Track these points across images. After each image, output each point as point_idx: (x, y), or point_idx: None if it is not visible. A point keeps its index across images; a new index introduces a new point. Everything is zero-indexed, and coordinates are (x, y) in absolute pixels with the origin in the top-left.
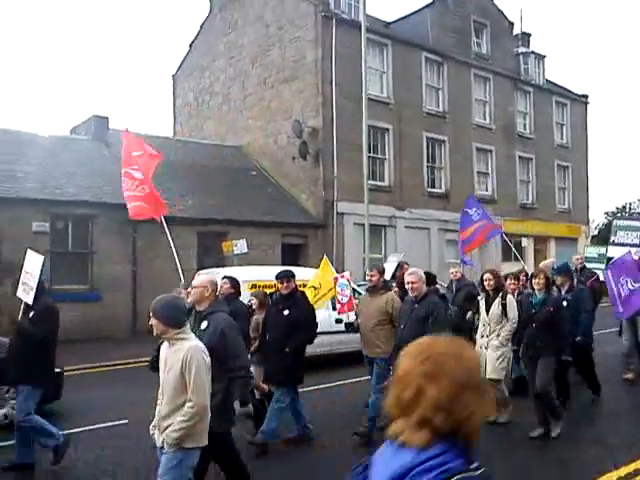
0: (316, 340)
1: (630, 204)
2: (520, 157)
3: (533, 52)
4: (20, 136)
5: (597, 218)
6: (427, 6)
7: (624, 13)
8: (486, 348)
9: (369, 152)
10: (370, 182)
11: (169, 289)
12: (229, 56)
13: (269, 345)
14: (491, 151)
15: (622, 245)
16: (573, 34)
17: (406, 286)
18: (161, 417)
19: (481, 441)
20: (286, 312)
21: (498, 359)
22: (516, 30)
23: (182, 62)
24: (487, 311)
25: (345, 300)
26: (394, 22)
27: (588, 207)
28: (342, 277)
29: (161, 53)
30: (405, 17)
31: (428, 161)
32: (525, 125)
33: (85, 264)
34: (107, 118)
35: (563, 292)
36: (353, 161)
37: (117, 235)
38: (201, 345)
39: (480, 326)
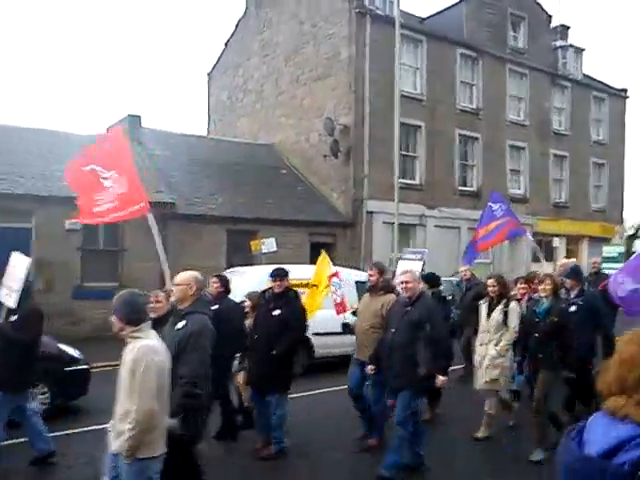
0: (332, 341)
1: None
2: (554, 155)
3: (571, 45)
4: (56, 135)
5: (633, 218)
6: (462, 0)
7: None
8: (484, 357)
9: (400, 150)
10: (401, 180)
11: None
12: (263, 54)
13: (255, 347)
14: (524, 149)
15: None
16: (612, 26)
17: (399, 286)
18: (116, 420)
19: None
20: (277, 312)
21: (494, 369)
22: (554, 23)
23: (217, 60)
24: (488, 318)
25: (339, 300)
26: (429, 18)
27: (623, 206)
28: (335, 276)
29: (199, 52)
30: (440, 12)
31: (460, 159)
32: (561, 122)
33: (115, 261)
34: (139, 117)
35: (572, 296)
36: (384, 159)
37: (147, 232)
38: (156, 345)
39: (479, 333)
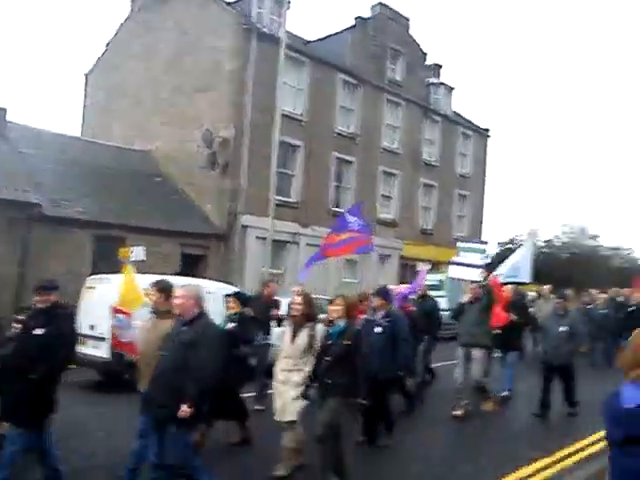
0: None
1: (519, 236)
2: (424, 184)
3: (443, 83)
4: None
5: (490, 248)
6: (347, 29)
7: (525, 53)
8: (284, 384)
9: (278, 167)
10: (277, 197)
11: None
12: (144, 58)
13: (5, 373)
14: (396, 175)
15: (464, 265)
16: (479, 69)
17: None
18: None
19: None
20: (39, 331)
21: (296, 399)
22: (429, 61)
23: (97, 61)
24: (293, 340)
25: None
26: (314, 41)
27: (481, 235)
28: (120, 312)
29: (79, 51)
30: (325, 38)
31: (335, 181)
32: (431, 153)
33: None
34: (5, 109)
35: (379, 317)
36: (261, 175)
37: (6, 234)
38: None
39: (282, 358)
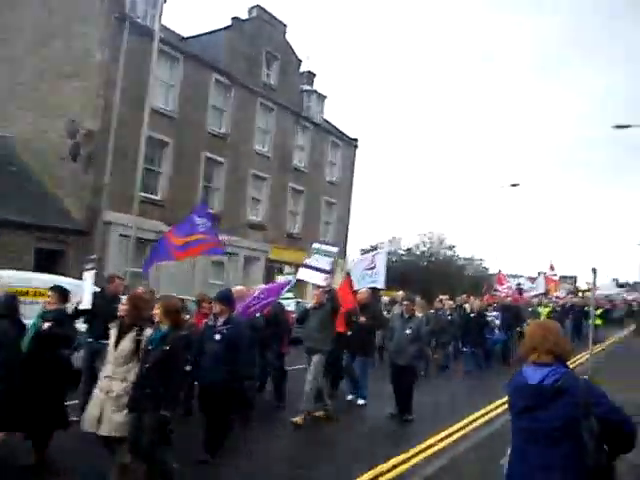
0: None
1: (382, 243)
2: (293, 189)
3: (316, 91)
4: None
5: (354, 254)
6: (223, 29)
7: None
8: (105, 393)
9: (146, 163)
10: (142, 194)
11: None
12: (3, 37)
13: None
14: (266, 179)
15: (313, 269)
16: (350, 80)
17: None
18: None
19: None
20: None
21: (116, 411)
22: (303, 68)
23: None
24: (116, 345)
25: None
26: (189, 38)
27: (347, 242)
28: None
29: None
30: (201, 35)
31: (204, 181)
32: (301, 159)
33: None
34: None
35: (219, 323)
36: (127, 170)
37: None
38: None
39: (106, 364)
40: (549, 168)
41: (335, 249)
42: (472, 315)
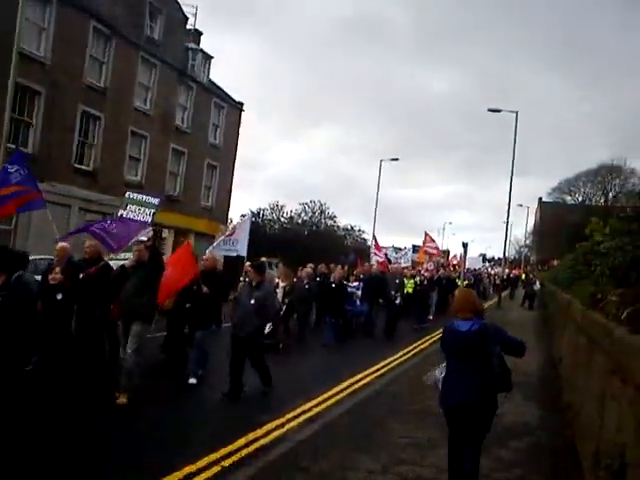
0: None
1: (263, 210)
2: (174, 149)
3: (202, 50)
4: None
5: (234, 219)
6: None
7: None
8: None
9: (14, 113)
10: (10, 145)
11: None
12: None
13: None
14: (146, 137)
15: (131, 220)
16: (236, 45)
17: None
18: None
19: None
20: None
21: None
22: (189, 26)
23: None
24: None
25: None
26: None
27: (229, 207)
28: None
29: None
30: None
31: (80, 135)
32: (183, 119)
33: None
34: None
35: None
36: None
37: None
38: None
39: None
40: (430, 145)
41: (155, 200)
42: (332, 285)
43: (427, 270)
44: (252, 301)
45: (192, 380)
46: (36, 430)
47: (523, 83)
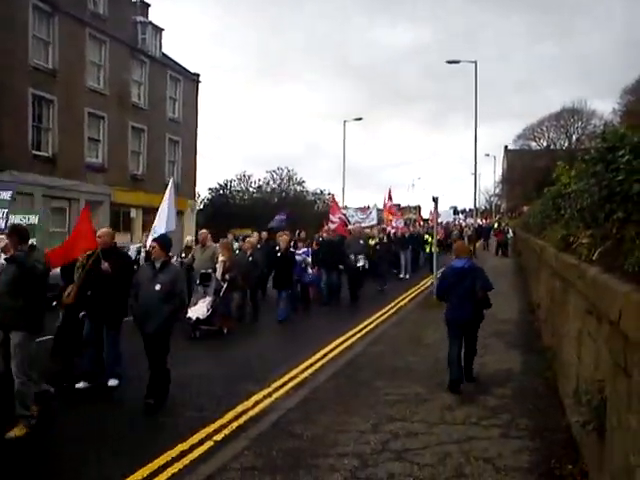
0: None
1: (231, 181)
2: (133, 127)
3: (151, 23)
4: None
5: (202, 193)
6: None
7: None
8: None
9: None
10: None
11: None
12: None
13: None
14: (104, 118)
15: None
16: (188, 13)
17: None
18: None
19: None
20: None
21: None
22: None
23: None
24: None
25: None
26: None
27: (195, 182)
28: None
29: None
30: None
31: (34, 121)
32: (140, 95)
33: None
34: None
35: None
36: None
37: None
38: None
39: None
40: (395, 100)
41: (7, 194)
42: (278, 254)
43: (396, 228)
44: (157, 287)
45: (112, 382)
46: None
47: (482, 32)
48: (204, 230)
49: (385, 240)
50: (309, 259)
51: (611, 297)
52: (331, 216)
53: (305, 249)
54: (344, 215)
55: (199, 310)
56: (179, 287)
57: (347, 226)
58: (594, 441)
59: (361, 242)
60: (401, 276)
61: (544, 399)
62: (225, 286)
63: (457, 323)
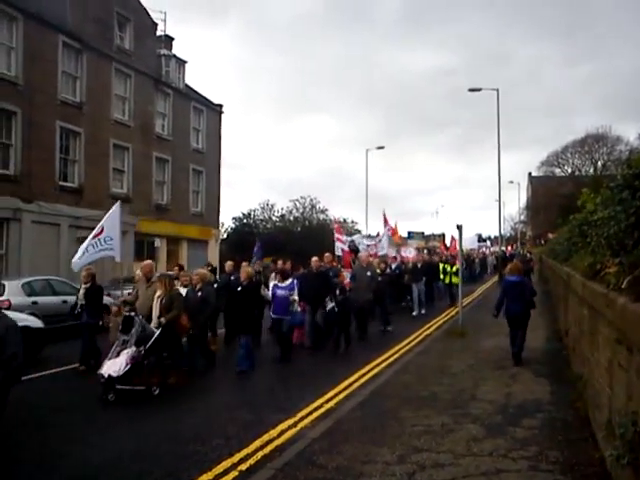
0: None
1: (254, 210)
2: (157, 158)
3: (175, 56)
4: None
5: (226, 222)
6: None
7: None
8: None
9: None
10: None
11: None
12: None
13: None
14: (128, 149)
15: None
16: (212, 45)
17: None
18: None
19: None
20: None
21: None
22: (159, 32)
23: None
24: None
25: None
26: None
27: (219, 211)
28: None
29: None
30: None
31: (61, 152)
32: (164, 126)
33: None
34: None
35: None
36: None
37: None
38: None
39: None
40: (419, 126)
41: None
42: (239, 289)
43: (406, 258)
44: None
45: None
46: None
47: (505, 58)
48: (148, 261)
49: (388, 271)
50: (295, 296)
51: None
52: (338, 238)
53: (290, 281)
54: (352, 242)
55: (114, 365)
56: (9, 350)
57: (356, 253)
58: (629, 476)
59: (368, 274)
60: (414, 313)
61: (575, 431)
62: (158, 332)
63: (512, 317)
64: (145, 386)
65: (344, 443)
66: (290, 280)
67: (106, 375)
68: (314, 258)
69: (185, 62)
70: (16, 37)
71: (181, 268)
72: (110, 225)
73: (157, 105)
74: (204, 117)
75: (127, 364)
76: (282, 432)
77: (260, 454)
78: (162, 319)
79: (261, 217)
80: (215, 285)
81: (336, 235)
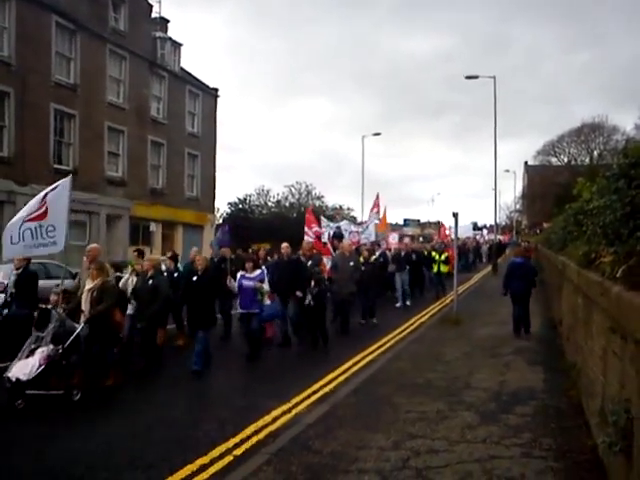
0: None
1: (250, 196)
2: (152, 141)
3: (170, 38)
4: None
5: (224, 207)
6: None
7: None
8: None
9: None
10: None
11: None
12: None
13: None
14: (123, 132)
15: None
16: (207, 28)
17: None
18: None
19: None
20: None
21: None
22: (154, 14)
23: None
24: None
25: None
26: None
27: (215, 196)
28: None
29: None
30: None
31: (55, 135)
32: (159, 110)
33: None
34: None
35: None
36: None
37: None
38: None
39: None
40: (416, 113)
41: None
42: (194, 278)
43: (390, 244)
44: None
45: None
46: None
47: (503, 45)
48: (94, 245)
49: (372, 260)
50: (266, 286)
51: (636, 316)
52: (306, 229)
53: (259, 272)
54: (317, 231)
55: (24, 367)
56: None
57: (341, 240)
58: (621, 463)
59: (351, 264)
60: (398, 305)
61: (568, 418)
62: (80, 328)
63: (515, 294)
64: (64, 390)
65: (339, 429)
66: (260, 270)
67: (13, 379)
68: (284, 244)
69: (180, 45)
70: (9, 17)
71: (140, 253)
72: (55, 209)
73: (152, 88)
74: (199, 101)
75: (40, 365)
76: (276, 418)
77: (255, 439)
78: (91, 310)
79: (257, 202)
80: (175, 274)
81: (307, 225)
